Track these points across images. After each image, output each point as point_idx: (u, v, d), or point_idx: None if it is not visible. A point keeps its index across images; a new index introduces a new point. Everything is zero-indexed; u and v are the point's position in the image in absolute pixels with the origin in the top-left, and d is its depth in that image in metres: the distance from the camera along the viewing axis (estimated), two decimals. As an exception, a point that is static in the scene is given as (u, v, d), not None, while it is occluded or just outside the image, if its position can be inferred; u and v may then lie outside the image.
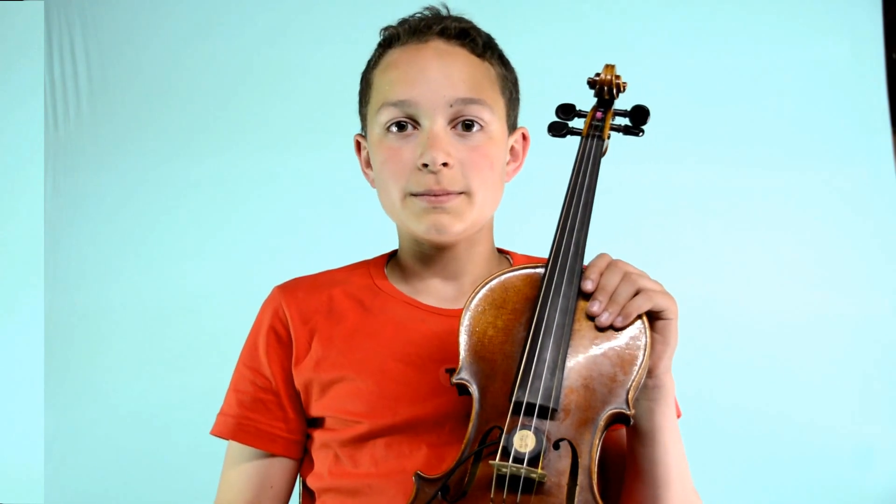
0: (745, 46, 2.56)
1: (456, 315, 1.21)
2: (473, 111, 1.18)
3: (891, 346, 2.47)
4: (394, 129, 1.20)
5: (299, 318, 1.26)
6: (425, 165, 1.16)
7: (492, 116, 1.20)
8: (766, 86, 2.55)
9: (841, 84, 2.56)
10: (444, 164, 1.16)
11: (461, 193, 1.18)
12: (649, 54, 2.48)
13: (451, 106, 1.18)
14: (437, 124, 1.17)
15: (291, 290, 1.30)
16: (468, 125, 1.19)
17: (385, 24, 1.27)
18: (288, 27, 2.65)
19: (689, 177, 2.51)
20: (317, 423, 1.26)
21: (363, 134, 1.30)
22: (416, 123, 1.19)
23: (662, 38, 2.56)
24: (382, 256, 1.35)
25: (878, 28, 2.56)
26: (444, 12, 1.26)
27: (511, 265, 1.31)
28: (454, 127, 1.19)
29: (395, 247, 1.33)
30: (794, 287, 2.50)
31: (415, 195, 1.19)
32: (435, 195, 1.17)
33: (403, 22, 1.24)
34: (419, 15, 1.25)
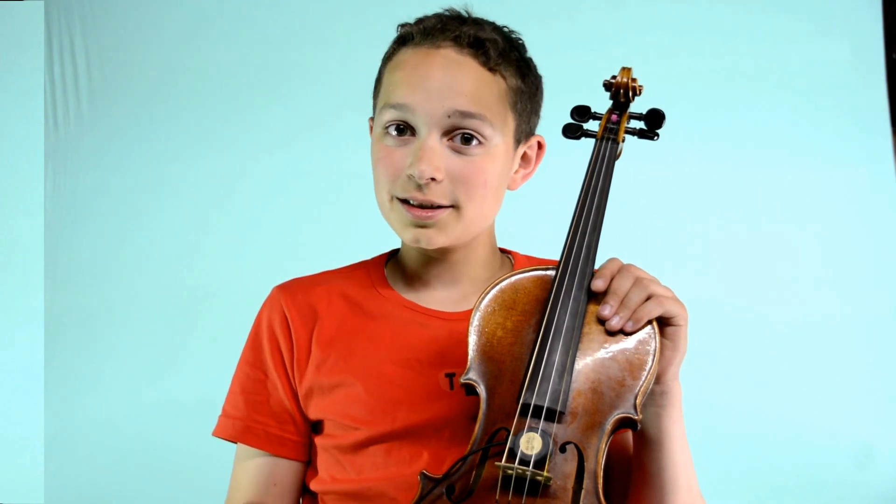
0: (745, 47, 2.57)
1: (455, 318, 1.22)
2: (472, 125, 1.15)
3: (891, 346, 2.48)
4: (393, 131, 1.18)
5: (300, 320, 1.25)
6: (412, 176, 1.15)
7: (493, 132, 1.17)
8: (767, 86, 2.56)
9: (841, 84, 2.56)
10: (433, 179, 1.14)
11: (449, 207, 1.17)
12: (648, 54, 2.48)
13: (449, 117, 1.15)
14: (431, 136, 1.15)
15: (291, 290, 1.29)
16: (467, 139, 1.16)
17: (401, 21, 1.24)
18: (289, 27, 2.65)
19: (687, 177, 2.51)
20: (316, 427, 1.25)
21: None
22: (414, 130, 1.17)
23: (661, 39, 2.55)
24: (382, 257, 1.34)
25: (878, 28, 2.56)
26: (464, 15, 1.22)
27: (512, 265, 1.31)
28: (452, 139, 1.16)
29: (395, 246, 1.33)
30: (793, 287, 2.50)
31: (400, 200, 1.17)
32: (420, 208, 1.16)
33: (420, 21, 1.21)
34: (437, 15, 1.22)
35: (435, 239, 1.18)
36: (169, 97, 2.65)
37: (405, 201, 1.17)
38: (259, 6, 2.67)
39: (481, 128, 1.16)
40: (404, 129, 1.17)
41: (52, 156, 2.65)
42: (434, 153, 1.15)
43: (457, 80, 1.16)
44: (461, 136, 1.16)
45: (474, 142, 1.16)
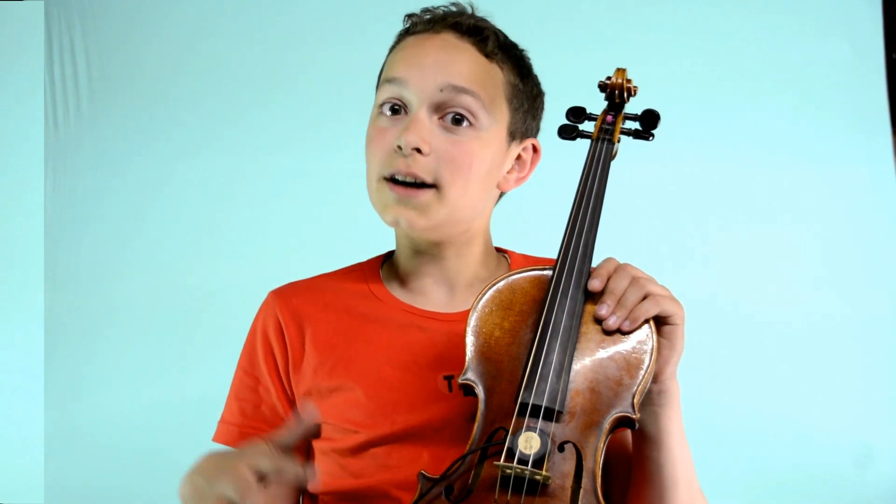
0: (745, 46, 2.56)
1: (452, 319, 1.22)
2: (464, 102, 1.16)
3: (891, 346, 2.48)
4: (387, 111, 1.19)
5: (294, 325, 1.25)
6: (400, 148, 1.15)
7: (485, 115, 1.18)
8: (767, 86, 2.56)
9: (841, 84, 2.56)
10: (419, 151, 1.15)
11: (431, 187, 1.17)
12: (648, 55, 2.48)
13: (441, 91, 1.16)
14: (422, 110, 1.16)
15: (286, 295, 1.29)
16: (458, 120, 1.17)
17: (405, 14, 1.26)
18: (289, 27, 2.65)
19: (686, 177, 2.51)
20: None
21: None
22: (408, 109, 1.18)
23: (661, 39, 2.55)
24: (377, 258, 1.34)
25: (878, 28, 2.56)
26: (468, 11, 1.24)
27: (509, 265, 1.31)
28: (442, 118, 1.17)
29: (394, 247, 1.33)
30: (793, 287, 2.50)
31: (386, 180, 1.18)
32: (403, 187, 1.16)
33: (425, 11, 1.24)
34: (442, 8, 1.24)
35: (415, 221, 1.18)
36: (169, 97, 2.65)
37: (391, 179, 1.17)
38: (259, 6, 2.67)
39: (473, 107, 1.17)
40: (399, 109, 1.19)
41: (52, 156, 2.65)
42: (423, 125, 1.16)
43: (453, 59, 1.18)
44: (452, 116, 1.17)
45: (465, 123, 1.17)
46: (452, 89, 1.16)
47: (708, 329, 2.33)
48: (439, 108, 1.17)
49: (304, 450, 1.28)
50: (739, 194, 2.52)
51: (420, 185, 1.16)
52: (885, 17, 2.57)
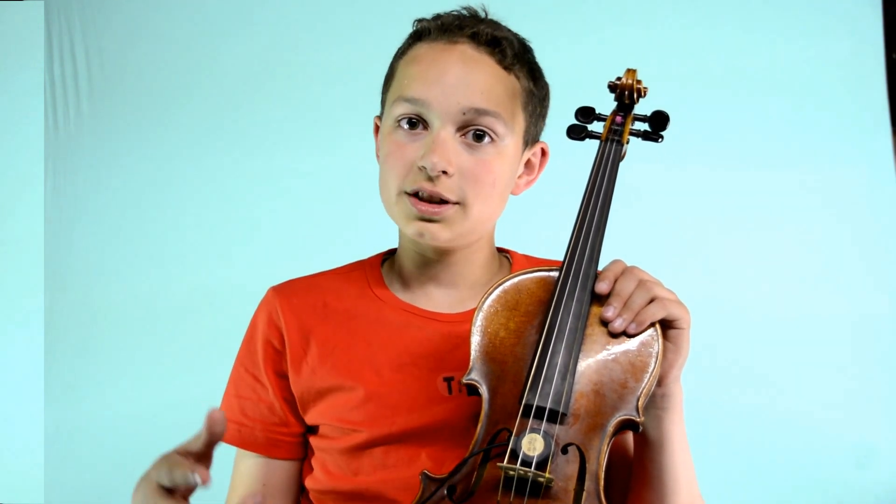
0: (745, 46, 2.56)
1: (453, 320, 1.22)
2: (486, 122, 1.15)
3: (891, 346, 2.48)
4: (405, 125, 1.18)
5: (295, 323, 1.25)
6: (424, 168, 1.15)
7: (505, 131, 1.17)
8: (767, 85, 2.55)
9: (841, 84, 2.55)
10: (444, 172, 1.14)
11: (456, 203, 1.16)
12: (648, 54, 2.48)
13: (464, 114, 1.15)
14: (445, 129, 1.15)
15: (286, 292, 1.29)
16: (479, 136, 1.16)
17: (417, 17, 1.24)
18: (290, 26, 2.65)
19: (686, 177, 2.51)
20: (313, 430, 1.25)
21: (381, 117, 1.27)
22: (426, 124, 1.17)
23: (661, 39, 2.55)
24: (378, 257, 1.34)
25: (878, 28, 2.56)
26: (481, 14, 1.23)
27: (511, 265, 1.31)
28: (464, 135, 1.16)
29: (394, 245, 1.32)
30: (793, 287, 2.50)
31: (408, 194, 1.17)
32: (427, 202, 1.16)
33: (437, 17, 1.21)
34: (455, 13, 1.22)
35: (439, 234, 1.17)
36: (169, 97, 2.65)
37: (414, 195, 1.16)
38: (259, 6, 2.67)
39: (494, 125, 1.16)
40: (416, 122, 1.17)
41: (52, 156, 2.65)
42: (447, 146, 1.15)
43: (473, 76, 1.16)
44: (473, 132, 1.16)
45: (486, 139, 1.16)
46: (474, 112, 1.15)
47: (708, 329, 2.32)
48: (461, 127, 1.16)
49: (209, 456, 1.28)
50: (739, 194, 2.52)
51: (444, 201, 1.16)
52: (885, 17, 2.56)
